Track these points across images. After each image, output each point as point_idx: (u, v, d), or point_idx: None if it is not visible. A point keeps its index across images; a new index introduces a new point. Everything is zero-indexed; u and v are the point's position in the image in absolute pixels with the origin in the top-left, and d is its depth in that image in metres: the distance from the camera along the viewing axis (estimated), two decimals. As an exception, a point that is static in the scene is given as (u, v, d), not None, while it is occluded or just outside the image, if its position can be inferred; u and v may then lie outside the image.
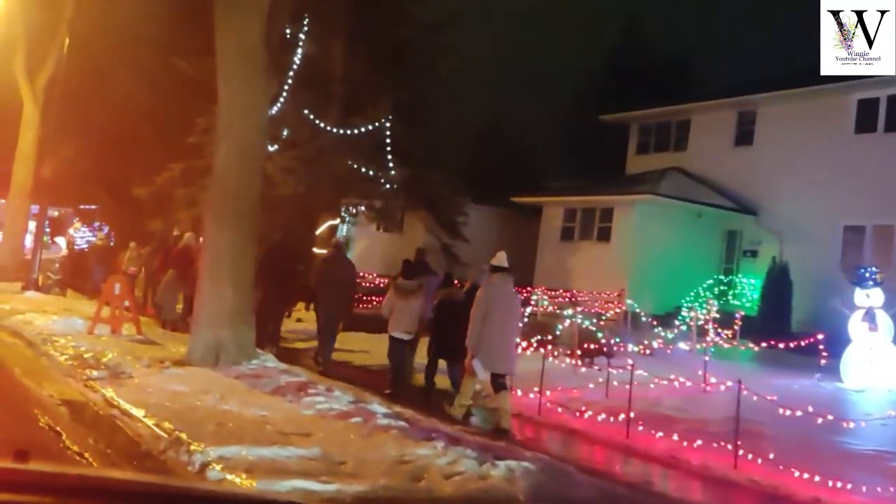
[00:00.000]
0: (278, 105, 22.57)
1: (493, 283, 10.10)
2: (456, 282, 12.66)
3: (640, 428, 9.46)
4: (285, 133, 22.10)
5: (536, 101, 40.33)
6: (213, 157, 11.43)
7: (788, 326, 19.02)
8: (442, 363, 11.50)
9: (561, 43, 43.43)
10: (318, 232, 24.94)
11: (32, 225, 26.00)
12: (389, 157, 23.18)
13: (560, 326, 13.69)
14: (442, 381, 11.52)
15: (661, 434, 9.30)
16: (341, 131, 22.44)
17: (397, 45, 23.63)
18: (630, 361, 10.91)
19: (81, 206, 36.76)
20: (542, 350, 12.88)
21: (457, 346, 10.22)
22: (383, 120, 22.79)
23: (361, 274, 21.28)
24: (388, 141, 23.06)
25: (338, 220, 26.50)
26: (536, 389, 11.13)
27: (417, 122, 24.14)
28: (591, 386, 11.46)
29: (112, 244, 29.13)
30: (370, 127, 22.76)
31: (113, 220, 35.05)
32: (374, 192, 23.72)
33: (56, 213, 34.85)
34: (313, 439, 7.41)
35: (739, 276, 21.90)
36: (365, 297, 20.73)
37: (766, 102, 21.95)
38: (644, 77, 34.52)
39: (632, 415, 9.48)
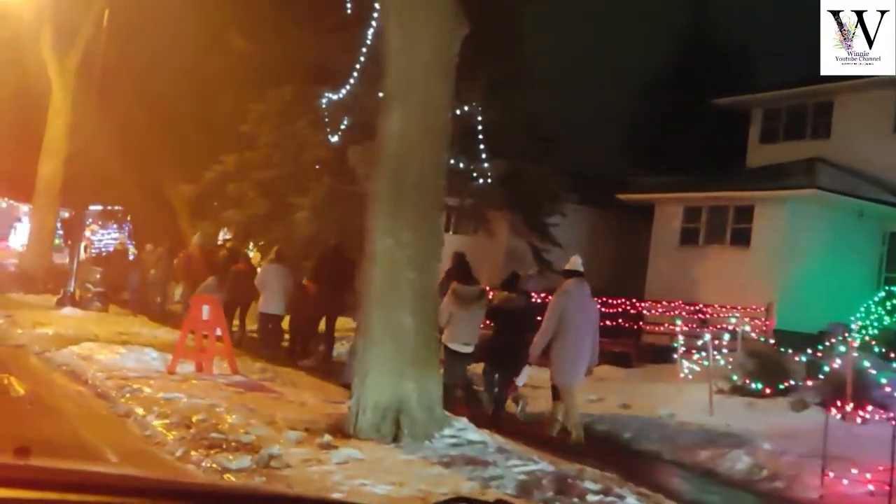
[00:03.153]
0: (346, 88, 19.35)
1: (568, 289, 9.52)
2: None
3: None
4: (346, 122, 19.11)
5: (601, 90, 36.66)
6: (381, 128, 7.91)
7: None
8: None
9: (624, 29, 39.94)
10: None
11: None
12: (482, 146, 19.73)
13: (826, 367, 10.15)
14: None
15: None
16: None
17: (489, 12, 20.10)
18: None
19: (107, 207, 33.30)
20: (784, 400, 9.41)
21: (514, 357, 9.82)
22: (474, 103, 19.36)
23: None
24: (479, 128, 19.64)
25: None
26: (855, 471, 7.62)
27: (514, 106, 20.64)
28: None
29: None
30: (458, 112, 19.33)
31: (142, 222, 31.54)
32: (465, 188, 20.23)
33: (66, 214, 31.70)
34: None
35: (912, 287, 18.34)
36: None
37: (938, 79, 18.37)
38: (732, 59, 31.13)
39: None
